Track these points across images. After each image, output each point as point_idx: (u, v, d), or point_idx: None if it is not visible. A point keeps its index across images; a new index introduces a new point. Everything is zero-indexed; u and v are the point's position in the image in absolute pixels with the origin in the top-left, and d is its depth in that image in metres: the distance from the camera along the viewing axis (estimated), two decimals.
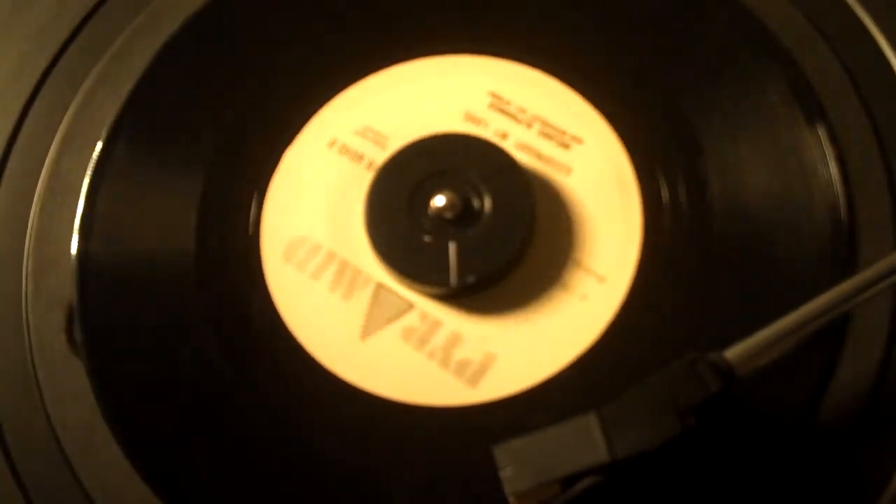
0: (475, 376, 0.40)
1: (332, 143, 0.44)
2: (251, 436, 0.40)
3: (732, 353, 0.35)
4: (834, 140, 0.42)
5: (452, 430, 0.40)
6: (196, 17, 0.45)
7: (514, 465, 0.34)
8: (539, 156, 0.43)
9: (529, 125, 0.44)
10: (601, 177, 0.43)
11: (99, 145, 0.44)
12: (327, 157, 0.44)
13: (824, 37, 0.44)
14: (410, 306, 0.42)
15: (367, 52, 0.45)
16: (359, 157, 0.44)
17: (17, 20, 0.47)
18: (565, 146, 0.43)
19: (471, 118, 0.44)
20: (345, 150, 0.44)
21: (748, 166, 0.42)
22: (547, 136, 0.43)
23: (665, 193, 0.42)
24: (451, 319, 0.41)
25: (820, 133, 0.42)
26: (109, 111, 0.44)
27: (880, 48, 0.43)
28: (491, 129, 0.44)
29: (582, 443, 0.34)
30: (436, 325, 0.41)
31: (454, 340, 0.41)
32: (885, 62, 0.43)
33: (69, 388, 0.41)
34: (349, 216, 0.43)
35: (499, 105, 0.44)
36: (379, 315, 0.42)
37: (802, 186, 0.41)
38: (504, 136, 0.44)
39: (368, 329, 0.41)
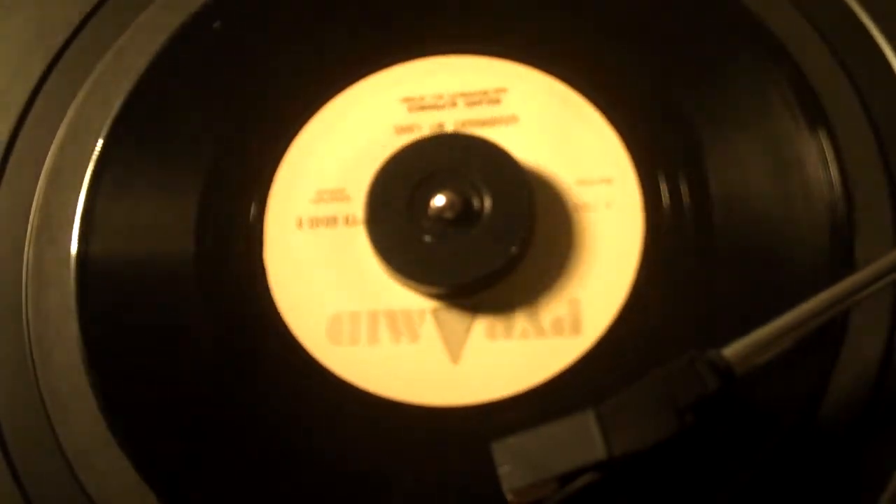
0: (574, 327, 0.41)
1: (299, 223, 0.44)
2: (252, 436, 0.40)
3: (731, 351, 0.35)
4: (834, 140, 0.42)
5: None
6: (196, 17, 0.46)
7: (512, 462, 0.34)
8: (482, 122, 0.44)
9: (454, 104, 0.44)
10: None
11: (99, 145, 0.44)
12: (303, 237, 0.44)
13: (824, 37, 0.43)
14: (475, 311, 0.42)
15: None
16: (332, 221, 0.44)
17: (18, 20, 0.47)
18: (495, 101, 0.44)
19: (402, 129, 0.44)
20: (315, 222, 0.44)
21: (748, 166, 0.42)
22: (474, 103, 0.44)
23: (665, 193, 0.42)
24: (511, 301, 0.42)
25: (820, 133, 0.42)
26: (109, 111, 0.44)
27: (880, 48, 0.43)
28: (425, 127, 0.44)
29: (579, 440, 0.34)
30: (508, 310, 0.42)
31: (533, 311, 0.41)
32: (885, 62, 0.43)
33: (69, 387, 0.41)
34: (364, 272, 0.43)
35: (417, 104, 0.45)
36: (454, 334, 0.42)
37: (802, 186, 0.41)
38: (440, 125, 0.44)
39: (455, 351, 0.41)
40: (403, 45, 0.46)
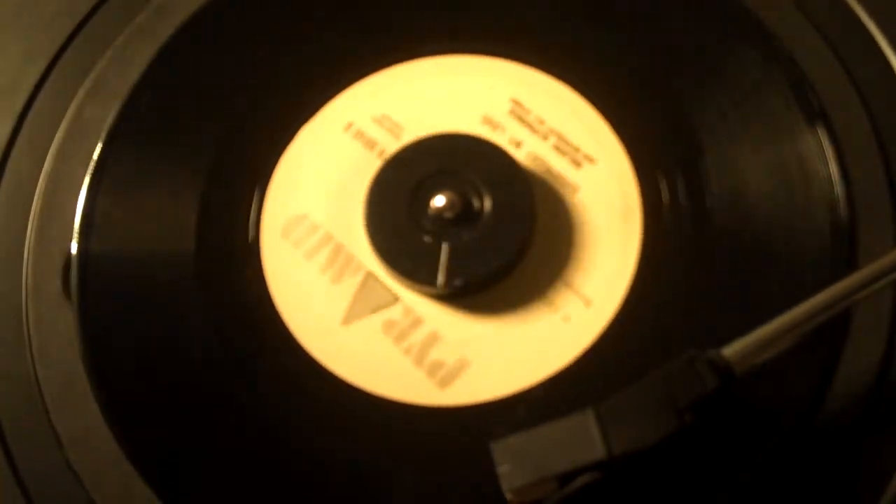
0: (446, 379, 0.40)
1: (347, 127, 0.44)
2: (251, 435, 0.40)
3: (730, 350, 0.35)
4: (834, 140, 0.42)
5: (419, 428, 0.40)
6: (196, 17, 0.46)
7: (512, 461, 0.34)
8: (549, 170, 0.43)
9: (545, 137, 0.44)
10: (607, 185, 0.43)
11: (99, 145, 0.44)
12: (341, 141, 0.44)
13: (824, 37, 0.43)
14: (395, 299, 0.42)
15: (377, 48, 0.46)
16: (372, 144, 0.44)
17: (19, 20, 0.47)
18: (577, 164, 0.43)
19: (489, 122, 0.44)
20: (360, 135, 0.44)
21: (748, 166, 0.42)
22: (561, 151, 0.43)
23: (665, 193, 0.42)
24: (434, 319, 0.41)
25: (820, 133, 0.42)
26: (110, 111, 0.44)
27: (880, 48, 0.43)
28: (507, 135, 0.44)
29: (579, 440, 0.34)
30: (417, 322, 0.41)
31: (432, 340, 0.41)
32: (886, 62, 0.43)
33: (70, 387, 0.41)
34: (353, 202, 0.43)
35: (518, 113, 0.44)
36: (363, 303, 0.42)
37: (802, 186, 0.41)
38: (518, 144, 0.44)
39: (351, 316, 0.41)
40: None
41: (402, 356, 0.41)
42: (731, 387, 0.35)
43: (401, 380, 0.40)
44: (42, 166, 0.44)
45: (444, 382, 0.40)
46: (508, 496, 0.34)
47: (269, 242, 0.43)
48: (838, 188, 0.41)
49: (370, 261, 0.42)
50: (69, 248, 0.42)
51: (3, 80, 0.46)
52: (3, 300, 0.43)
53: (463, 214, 0.41)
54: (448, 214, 0.41)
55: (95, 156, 0.44)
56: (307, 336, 0.41)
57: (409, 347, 0.41)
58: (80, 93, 0.45)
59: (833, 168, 0.41)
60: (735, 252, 0.41)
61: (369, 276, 0.42)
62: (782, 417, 0.38)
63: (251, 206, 0.43)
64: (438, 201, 0.41)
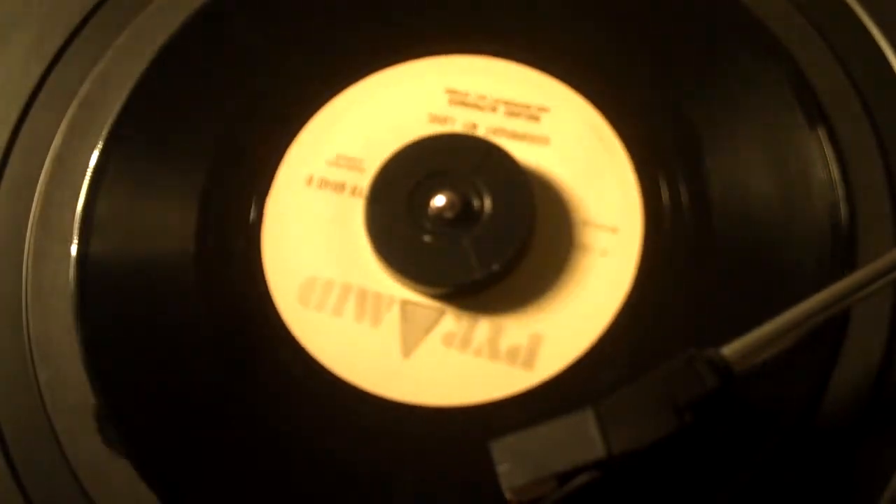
0: (529, 359, 0.40)
1: (309, 181, 0.44)
2: (252, 437, 0.40)
3: (730, 350, 0.35)
4: (834, 140, 0.42)
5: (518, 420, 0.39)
6: (196, 17, 0.46)
7: (511, 460, 0.34)
8: (514, 134, 0.44)
9: (494, 109, 0.44)
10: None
11: (99, 145, 0.44)
12: (309, 196, 0.44)
13: (824, 37, 0.44)
14: (442, 312, 0.41)
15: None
16: (340, 187, 0.44)
17: (19, 20, 0.47)
18: (534, 118, 0.44)
19: (436, 119, 0.44)
20: (324, 183, 0.44)
21: (748, 166, 0.42)
22: (514, 114, 0.44)
23: (665, 194, 0.42)
24: (484, 313, 0.41)
25: (820, 133, 0.42)
26: (110, 111, 0.44)
27: (880, 48, 0.43)
28: (459, 123, 0.44)
29: (579, 439, 0.34)
30: (473, 322, 0.41)
31: (497, 331, 0.41)
32: (885, 62, 0.43)
33: (69, 387, 0.41)
34: (349, 244, 0.43)
35: (458, 99, 0.44)
36: (414, 330, 0.41)
37: (802, 187, 0.41)
38: (474, 126, 0.44)
39: (408, 346, 0.41)
40: (455, 37, 0.46)
41: (476, 358, 0.41)
42: (731, 386, 0.35)
43: (486, 380, 0.40)
44: (43, 166, 0.44)
45: (529, 363, 0.40)
46: (508, 495, 0.34)
47: (292, 315, 0.42)
48: (838, 188, 0.41)
49: (397, 289, 0.42)
50: (98, 405, 0.41)
51: (4, 79, 0.46)
52: (3, 300, 0.43)
53: (463, 214, 0.41)
54: (448, 214, 0.41)
55: (95, 155, 0.44)
56: (370, 381, 0.41)
57: (479, 348, 0.41)
58: (81, 92, 0.45)
59: (833, 168, 0.41)
60: (735, 252, 0.41)
61: (405, 304, 0.42)
62: (782, 417, 0.38)
63: (251, 206, 0.43)
64: (438, 201, 0.41)
